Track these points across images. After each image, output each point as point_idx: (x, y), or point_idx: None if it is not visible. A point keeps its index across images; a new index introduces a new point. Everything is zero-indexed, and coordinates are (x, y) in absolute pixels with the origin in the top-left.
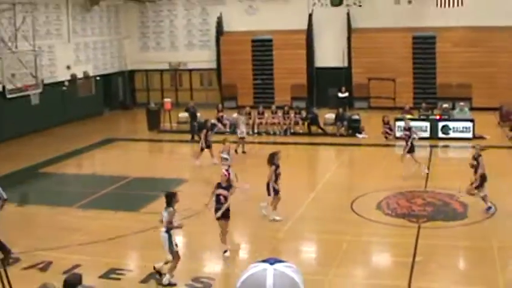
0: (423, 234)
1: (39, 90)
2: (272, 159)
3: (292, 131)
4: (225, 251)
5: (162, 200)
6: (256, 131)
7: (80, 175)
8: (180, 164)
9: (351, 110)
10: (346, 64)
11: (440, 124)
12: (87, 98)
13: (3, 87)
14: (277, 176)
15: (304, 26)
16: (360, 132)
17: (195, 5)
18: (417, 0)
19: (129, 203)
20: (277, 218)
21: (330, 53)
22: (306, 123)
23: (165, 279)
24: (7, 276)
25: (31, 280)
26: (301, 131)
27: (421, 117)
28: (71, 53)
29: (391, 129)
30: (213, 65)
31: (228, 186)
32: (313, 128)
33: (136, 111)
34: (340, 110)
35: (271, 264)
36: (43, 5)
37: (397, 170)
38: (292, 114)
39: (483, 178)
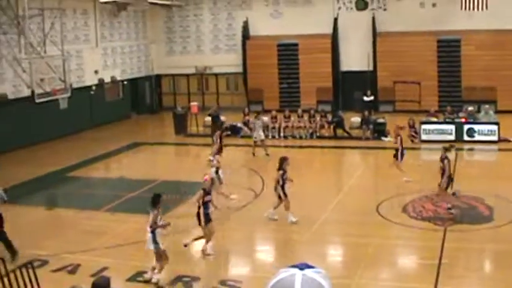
0: (449, 237)
1: (68, 95)
2: (281, 164)
3: (318, 134)
4: (208, 254)
5: (190, 203)
6: (282, 134)
7: (108, 179)
8: (207, 167)
9: (377, 114)
10: (371, 68)
11: (466, 127)
12: (115, 102)
13: (33, 92)
14: (284, 180)
15: (330, 30)
16: (386, 136)
17: (221, 10)
18: (442, 4)
19: None
20: (293, 219)
21: (355, 57)
22: (331, 127)
23: (155, 279)
24: (16, 277)
25: (60, 282)
26: (327, 135)
27: (447, 120)
28: (99, 58)
29: (416, 133)
30: (239, 69)
31: (210, 191)
32: (339, 132)
33: (163, 115)
34: (366, 113)
35: (301, 269)
36: (71, 10)
37: (423, 173)
38: (318, 118)
39: (449, 179)
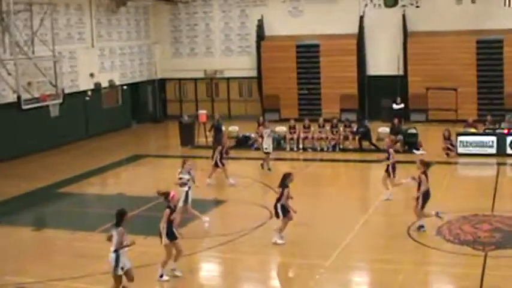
0: (490, 264)
1: (59, 101)
2: (284, 180)
3: (341, 146)
4: (161, 276)
5: (197, 224)
6: (301, 146)
7: (104, 195)
8: (218, 183)
9: (407, 123)
10: (401, 72)
11: (509, 139)
12: (113, 110)
13: (19, 97)
14: (287, 197)
15: (355, 30)
16: (418, 149)
17: (233, 7)
18: (482, 0)
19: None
20: (280, 241)
21: (383, 60)
22: (356, 138)
23: None
24: None
25: None
26: (351, 147)
27: (487, 131)
28: (95, 60)
29: (452, 145)
30: (253, 73)
31: (175, 207)
32: (365, 144)
33: (168, 125)
34: (395, 123)
35: None
36: (63, 5)
37: (460, 191)
38: (341, 128)
39: (425, 196)
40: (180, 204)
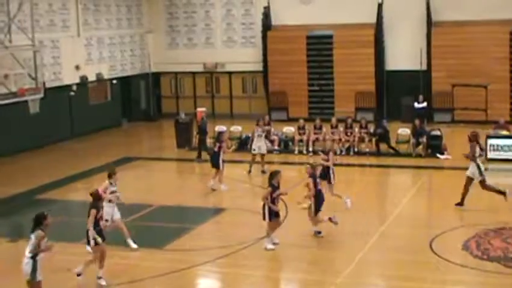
0: None
1: (40, 96)
2: (270, 180)
3: (356, 149)
4: (100, 278)
5: (194, 234)
6: (311, 149)
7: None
8: (218, 191)
9: (430, 124)
10: (424, 67)
11: None
12: (101, 106)
13: None
14: (274, 198)
15: (373, 19)
16: (442, 153)
17: None
18: None
19: (151, 238)
20: (270, 246)
21: (404, 53)
22: (373, 140)
23: None
24: None
25: None
26: (367, 150)
27: None
28: (81, 50)
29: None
30: (258, 67)
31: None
32: (383, 147)
33: (163, 124)
34: (417, 123)
35: None
36: None
37: (489, 201)
38: (356, 129)
39: (318, 200)
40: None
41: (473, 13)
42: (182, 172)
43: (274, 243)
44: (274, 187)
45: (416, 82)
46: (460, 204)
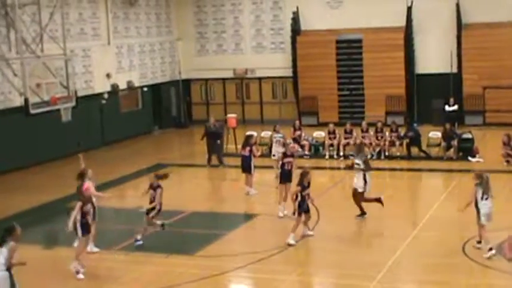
0: None
1: (72, 104)
2: (301, 179)
3: (387, 153)
4: (78, 272)
5: (226, 240)
6: (342, 153)
7: (123, 210)
8: (248, 195)
9: (462, 127)
10: (455, 69)
11: None
12: (132, 114)
13: (26, 100)
14: (303, 197)
15: (402, 22)
16: (474, 156)
17: None
18: None
19: (184, 245)
20: (292, 242)
21: (434, 56)
22: (404, 144)
23: None
24: None
25: None
26: (398, 154)
27: None
28: (112, 58)
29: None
30: (288, 73)
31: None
32: (414, 150)
33: (193, 130)
34: (448, 127)
35: None
36: None
37: None
38: (387, 133)
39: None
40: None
41: (504, 14)
42: (213, 178)
43: (308, 235)
44: (304, 186)
45: (447, 85)
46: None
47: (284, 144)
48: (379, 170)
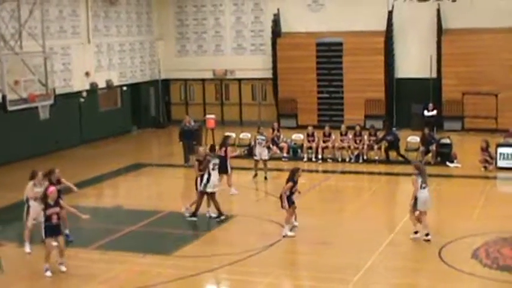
0: None
1: (50, 102)
2: (292, 176)
3: (365, 157)
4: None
5: (202, 241)
6: (320, 156)
7: (100, 208)
8: (226, 195)
9: (440, 132)
10: (434, 75)
11: None
12: (111, 113)
13: (3, 97)
14: (292, 192)
15: (383, 26)
16: (452, 161)
17: (246, 0)
18: None
19: (160, 244)
20: (290, 233)
21: (414, 61)
22: (383, 148)
23: None
24: None
25: None
26: (376, 158)
27: None
28: (91, 57)
29: (491, 157)
30: (268, 74)
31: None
32: (392, 154)
33: (172, 130)
34: (427, 131)
35: None
36: None
37: (499, 209)
38: (365, 137)
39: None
40: (31, 222)
41: (484, 21)
42: (191, 178)
43: (293, 227)
44: (295, 182)
45: (426, 90)
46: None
47: (269, 148)
48: (357, 173)
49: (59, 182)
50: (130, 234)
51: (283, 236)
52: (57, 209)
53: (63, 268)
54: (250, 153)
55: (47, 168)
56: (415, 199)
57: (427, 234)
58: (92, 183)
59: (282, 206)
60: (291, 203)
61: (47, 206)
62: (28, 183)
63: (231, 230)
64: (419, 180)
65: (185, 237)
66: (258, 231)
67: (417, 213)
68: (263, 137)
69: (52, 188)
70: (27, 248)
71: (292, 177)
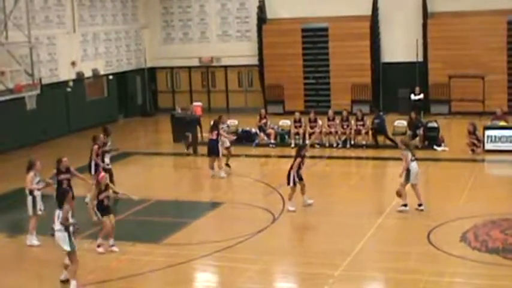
0: None
1: (37, 92)
2: (299, 151)
3: (353, 142)
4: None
5: (191, 228)
6: (307, 142)
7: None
8: (214, 182)
9: (427, 116)
10: (420, 58)
11: None
12: (97, 102)
13: None
14: (300, 166)
15: (368, 11)
16: (439, 144)
17: None
18: None
19: (149, 233)
20: (292, 208)
21: (400, 45)
22: (370, 133)
23: None
24: None
25: None
26: (364, 142)
27: None
28: (77, 46)
29: (478, 140)
30: (254, 61)
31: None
32: (380, 139)
33: (159, 119)
34: (414, 115)
35: None
36: None
37: (487, 192)
38: (352, 122)
39: None
40: (30, 213)
41: (470, 3)
42: (179, 166)
43: (308, 204)
44: (302, 157)
45: (413, 74)
46: None
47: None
48: (344, 158)
49: (67, 170)
50: (119, 223)
51: (288, 211)
52: (108, 193)
53: (116, 249)
54: (237, 140)
55: (36, 159)
56: (408, 172)
57: (419, 205)
58: (80, 172)
59: (288, 183)
60: (299, 178)
61: (100, 191)
62: (27, 174)
63: (219, 217)
64: (409, 154)
65: (174, 225)
66: (247, 217)
67: (407, 186)
68: (225, 126)
69: (102, 174)
70: (34, 241)
71: (299, 152)
